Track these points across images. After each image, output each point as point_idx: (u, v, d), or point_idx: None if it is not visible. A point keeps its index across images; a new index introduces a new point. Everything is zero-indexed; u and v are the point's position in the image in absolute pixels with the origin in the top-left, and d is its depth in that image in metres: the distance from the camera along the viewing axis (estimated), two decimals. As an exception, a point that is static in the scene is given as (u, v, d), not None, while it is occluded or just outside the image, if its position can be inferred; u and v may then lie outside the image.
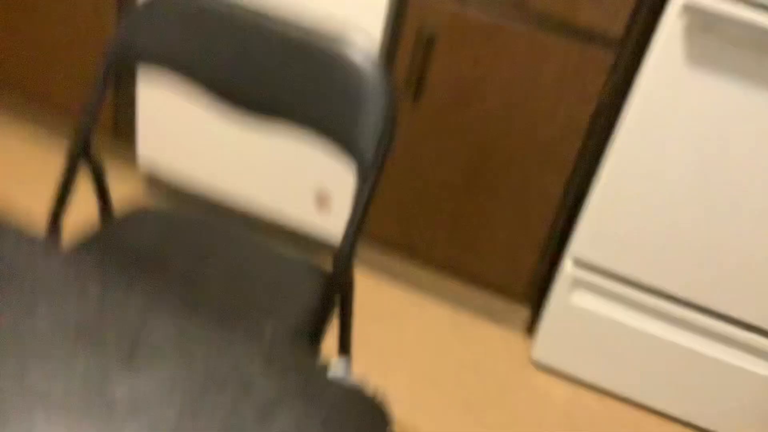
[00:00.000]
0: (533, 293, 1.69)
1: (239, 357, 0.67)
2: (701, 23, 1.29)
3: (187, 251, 1.09)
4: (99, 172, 1.12)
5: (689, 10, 1.28)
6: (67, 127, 2.01)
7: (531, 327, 1.79)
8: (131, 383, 0.62)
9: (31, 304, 0.68)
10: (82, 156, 1.08)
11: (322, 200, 1.53)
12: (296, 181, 1.68)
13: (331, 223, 1.71)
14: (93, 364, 0.63)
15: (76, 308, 0.68)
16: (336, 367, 0.74)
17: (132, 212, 1.17)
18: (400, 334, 1.70)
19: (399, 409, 1.55)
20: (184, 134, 1.73)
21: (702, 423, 1.63)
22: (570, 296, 1.61)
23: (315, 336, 1.01)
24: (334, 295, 1.04)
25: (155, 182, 1.93)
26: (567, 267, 1.58)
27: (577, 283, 1.59)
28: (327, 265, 1.10)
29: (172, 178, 1.90)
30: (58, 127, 2.02)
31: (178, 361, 0.64)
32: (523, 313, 1.77)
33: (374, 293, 1.79)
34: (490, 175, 1.56)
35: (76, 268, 0.72)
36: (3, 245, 0.73)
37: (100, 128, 1.85)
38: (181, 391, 0.63)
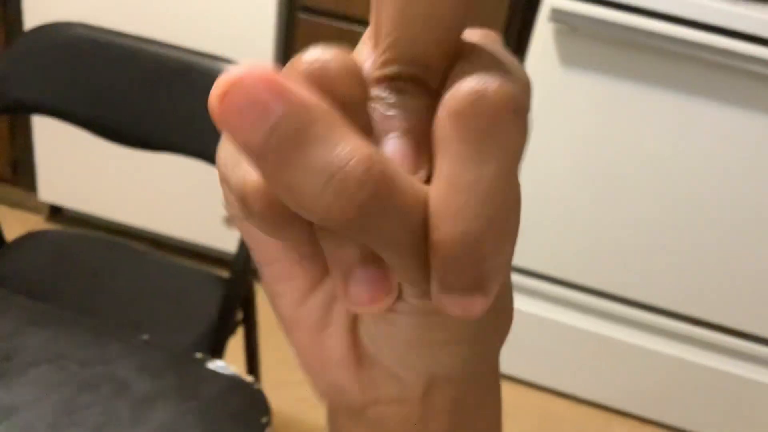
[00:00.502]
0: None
1: (114, 363, 0.71)
2: (569, 25, 1.38)
3: (85, 269, 1.12)
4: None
5: (557, 14, 1.38)
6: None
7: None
8: (1, 393, 0.66)
9: None
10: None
11: (230, 220, 1.57)
12: (204, 204, 1.71)
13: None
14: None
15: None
16: (215, 364, 0.79)
17: (26, 237, 1.18)
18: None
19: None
20: (87, 166, 1.74)
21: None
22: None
23: (216, 344, 1.06)
24: (234, 305, 1.09)
25: (60, 222, 1.93)
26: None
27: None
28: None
29: (77, 213, 1.90)
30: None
31: (52, 368, 0.68)
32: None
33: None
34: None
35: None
36: None
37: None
38: (56, 393, 0.67)
